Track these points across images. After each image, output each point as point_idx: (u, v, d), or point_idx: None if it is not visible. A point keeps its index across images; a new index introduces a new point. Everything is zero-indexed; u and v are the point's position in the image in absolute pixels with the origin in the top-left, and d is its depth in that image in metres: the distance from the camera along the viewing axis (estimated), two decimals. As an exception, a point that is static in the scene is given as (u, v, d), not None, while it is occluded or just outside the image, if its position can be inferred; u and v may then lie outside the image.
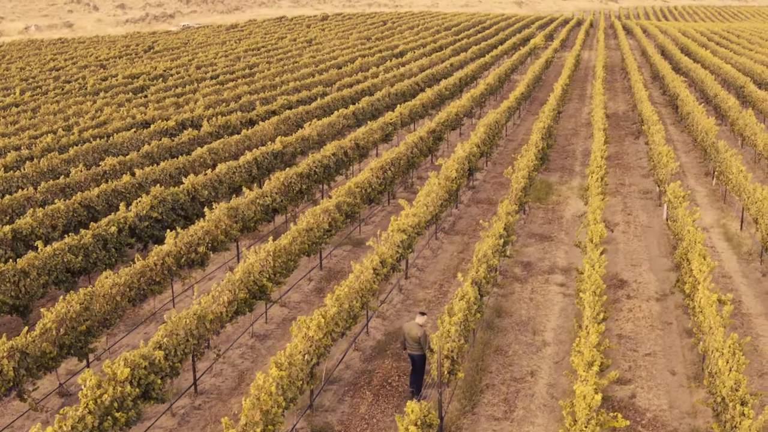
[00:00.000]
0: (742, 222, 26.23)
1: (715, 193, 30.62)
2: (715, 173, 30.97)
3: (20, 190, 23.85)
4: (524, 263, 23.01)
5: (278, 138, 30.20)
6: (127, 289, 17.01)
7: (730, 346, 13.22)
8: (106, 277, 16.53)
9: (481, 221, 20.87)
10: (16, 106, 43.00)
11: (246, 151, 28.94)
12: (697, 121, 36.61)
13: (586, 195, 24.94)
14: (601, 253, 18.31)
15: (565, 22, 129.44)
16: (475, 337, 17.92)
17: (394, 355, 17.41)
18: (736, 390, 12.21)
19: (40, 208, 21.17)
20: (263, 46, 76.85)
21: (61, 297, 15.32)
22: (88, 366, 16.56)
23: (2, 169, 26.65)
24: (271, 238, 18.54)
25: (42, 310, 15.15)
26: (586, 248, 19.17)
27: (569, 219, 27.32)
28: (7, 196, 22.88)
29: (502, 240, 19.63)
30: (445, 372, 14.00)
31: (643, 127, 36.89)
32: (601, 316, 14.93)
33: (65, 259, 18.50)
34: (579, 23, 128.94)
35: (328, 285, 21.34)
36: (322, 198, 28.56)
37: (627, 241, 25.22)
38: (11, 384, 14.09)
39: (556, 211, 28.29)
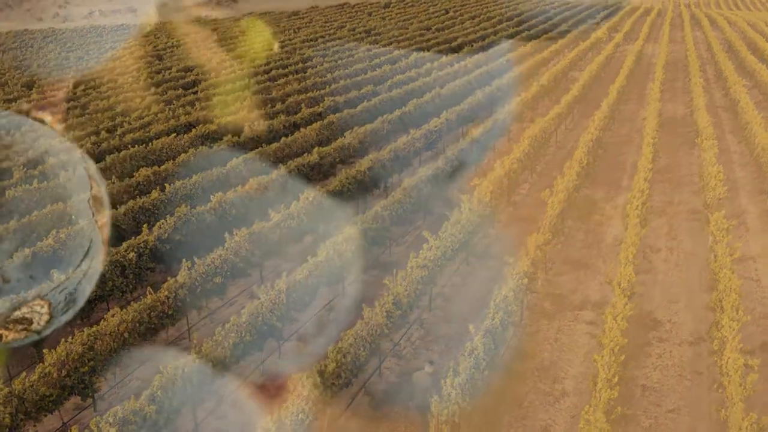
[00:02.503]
0: (792, 253, 24.94)
1: (769, 215, 29.23)
2: (770, 194, 29.58)
3: (49, 205, 23.88)
4: (555, 295, 22.16)
5: (315, 149, 29.70)
6: (137, 325, 16.79)
7: (747, 428, 12.37)
8: (113, 315, 16.32)
9: (506, 257, 20.04)
10: (68, 101, 43.43)
11: (280, 163, 28.50)
12: (754, 134, 34.99)
13: (626, 221, 23.91)
14: (629, 299, 17.48)
15: (633, 10, 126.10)
16: (489, 385, 17.22)
17: (405, 401, 16.84)
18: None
19: (63, 229, 21.12)
20: (321, 36, 76.46)
21: (63, 339, 15.16)
22: (94, 404, 16.42)
23: (38, 179, 26.81)
24: (283, 275, 18.13)
25: (45, 351, 15.00)
26: (614, 291, 18.31)
27: (609, 244, 26.28)
28: (35, 212, 22.93)
29: (527, 279, 18.85)
30: (444, 439, 13.43)
31: (697, 140, 35.44)
32: (616, 379, 14.15)
33: (80, 288, 18.35)
34: (647, 12, 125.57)
35: (349, 316, 20.81)
36: (357, 214, 28.02)
37: (667, 270, 24.14)
38: (8, 429, 13.98)
39: (597, 233, 27.27)
